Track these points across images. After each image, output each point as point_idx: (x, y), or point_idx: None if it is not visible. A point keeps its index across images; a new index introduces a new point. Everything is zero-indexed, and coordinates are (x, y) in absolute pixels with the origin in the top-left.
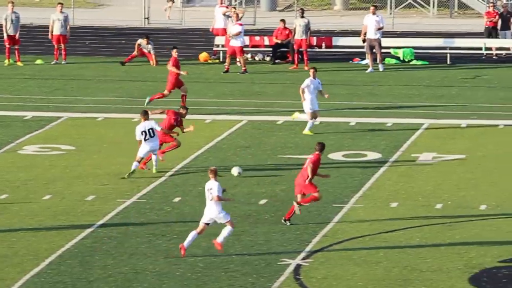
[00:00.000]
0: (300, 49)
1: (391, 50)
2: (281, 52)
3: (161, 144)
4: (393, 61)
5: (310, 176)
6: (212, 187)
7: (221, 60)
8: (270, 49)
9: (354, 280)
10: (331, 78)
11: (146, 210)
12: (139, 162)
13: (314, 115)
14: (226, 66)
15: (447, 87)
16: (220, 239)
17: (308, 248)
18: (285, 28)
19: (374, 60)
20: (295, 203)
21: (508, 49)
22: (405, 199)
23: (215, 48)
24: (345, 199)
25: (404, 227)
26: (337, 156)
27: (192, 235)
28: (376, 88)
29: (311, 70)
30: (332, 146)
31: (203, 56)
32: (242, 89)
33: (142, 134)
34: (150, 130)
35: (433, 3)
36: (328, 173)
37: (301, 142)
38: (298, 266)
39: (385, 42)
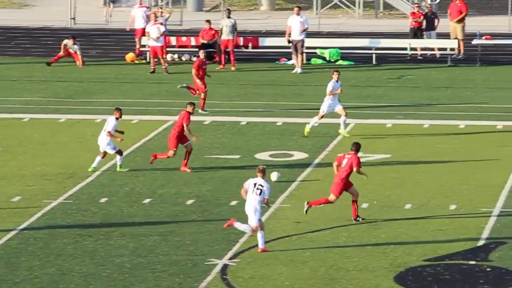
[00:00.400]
0: (227, 50)
1: (317, 51)
2: (208, 52)
3: (184, 144)
4: (319, 61)
5: (362, 173)
6: (263, 184)
7: (147, 60)
8: (197, 49)
9: (280, 279)
10: (257, 78)
11: (73, 211)
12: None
13: (322, 116)
14: (152, 67)
15: (373, 87)
16: (261, 245)
17: (235, 248)
18: (210, 28)
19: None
20: (354, 204)
21: (432, 49)
22: None
23: (141, 49)
24: (272, 199)
25: (331, 226)
26: (264, 156)
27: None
28: (302, 88)
29: (335, 73)
30: (258, 146)
31: (129, 56)
32: (169, 90)
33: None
34: (107, 124)
35: (359, 3)
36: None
37: (228, 142)
38: (225, 266)
39: (311, 42)
